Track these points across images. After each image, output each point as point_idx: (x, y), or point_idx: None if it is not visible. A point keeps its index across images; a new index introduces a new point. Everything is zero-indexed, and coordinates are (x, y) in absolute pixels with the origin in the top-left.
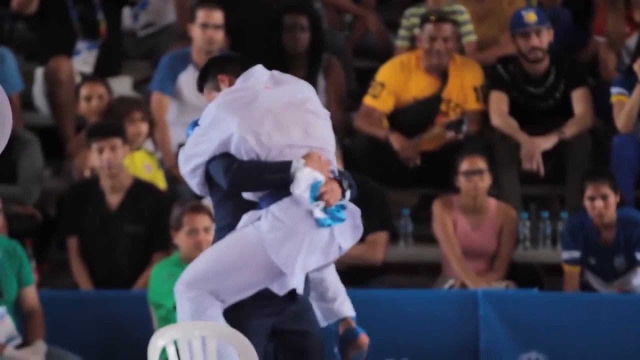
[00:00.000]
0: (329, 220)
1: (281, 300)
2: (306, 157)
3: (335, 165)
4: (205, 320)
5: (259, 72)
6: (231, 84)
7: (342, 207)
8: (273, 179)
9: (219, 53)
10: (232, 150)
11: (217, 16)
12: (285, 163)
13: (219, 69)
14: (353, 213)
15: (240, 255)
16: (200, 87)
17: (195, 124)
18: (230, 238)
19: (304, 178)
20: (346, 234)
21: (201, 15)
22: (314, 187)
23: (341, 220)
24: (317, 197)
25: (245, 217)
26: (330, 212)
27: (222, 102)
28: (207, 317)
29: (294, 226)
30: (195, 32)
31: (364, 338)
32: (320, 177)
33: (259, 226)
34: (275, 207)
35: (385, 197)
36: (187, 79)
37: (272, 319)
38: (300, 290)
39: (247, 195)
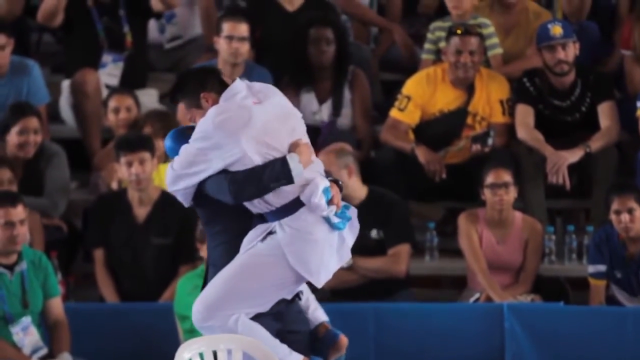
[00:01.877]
0: (342, 223)
1: (284, 303)
2: (294, 147)
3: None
4: (241, 331)
5: (239, 87)
6: (214, 102)
7: (347, 207)
8: (276, 185)
9: (243, 65)
10: (234, 169)
11: (243, 28)
12: (283, 164)
13: (201, 87)
14: (351, 211)
15: (259, 275)
16: (175, 99)
17: (175, 135)
18: (241, 260)
19: (318, 186)
20: (348, 233)
21: (227, 27)
22: (326, 192)
23: (349, 219)
24: (328, 202)
25: (253, 233)
26: (340, 215)
27: (219, 124)
28: (241, 329)
29: (313, 235)
30: (221, 44)
31: (344, 339)
32: (327, 182)
33: (274, 242)
34: (289, 220)
35: (406, 209)
36: None
37: (278, 323)
38: (304, 290)
39: (255, 209)
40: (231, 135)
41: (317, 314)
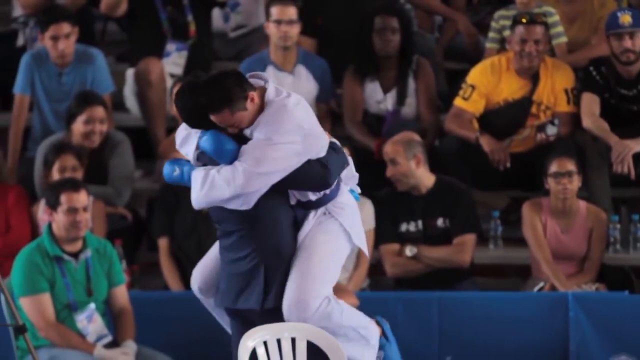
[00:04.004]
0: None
1: None
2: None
3: None
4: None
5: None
6: (257, 99)
7: None
8: (342, 170)
9: (296, 50)
10: (316, 157)
11: (291, 11)
12: (339, 150)
13: (243, 89)
14: None
15: (332, 257)
16: (217, 111)
17: (216, 137)
18: (311, 247)
19: (348, 158)
20: None
21: (275, 11)
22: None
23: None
24: None
25: (309, 222)
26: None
27: (302, 116)
28: (348, 315)
29: (355, 208)
30: (271, 28)
31: None
32: None
33: (331, 221)
34: (339, 198)
35: (472, 199)
36: None
37: None
38: None
39: (313, 197)
40: (313, 125)
41: None
